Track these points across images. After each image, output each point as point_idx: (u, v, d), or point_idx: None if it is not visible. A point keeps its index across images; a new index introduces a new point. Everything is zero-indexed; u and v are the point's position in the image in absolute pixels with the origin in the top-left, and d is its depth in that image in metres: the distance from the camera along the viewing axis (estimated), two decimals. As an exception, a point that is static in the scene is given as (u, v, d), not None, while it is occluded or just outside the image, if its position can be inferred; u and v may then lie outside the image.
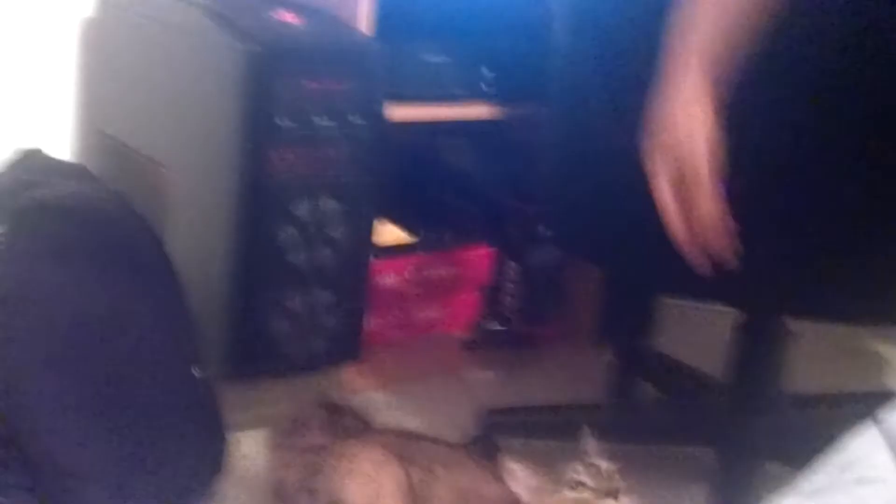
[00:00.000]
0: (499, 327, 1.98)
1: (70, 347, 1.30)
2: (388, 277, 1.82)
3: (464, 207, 1.98)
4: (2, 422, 1.25)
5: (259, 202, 1.48)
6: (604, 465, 1.17)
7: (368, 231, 1.61)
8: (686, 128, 1.08)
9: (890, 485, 0.64)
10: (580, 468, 1.16)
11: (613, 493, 1.15)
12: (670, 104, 1.07)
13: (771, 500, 0.68)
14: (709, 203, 1.08)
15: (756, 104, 1.20)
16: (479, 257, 1.95)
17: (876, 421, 0.66)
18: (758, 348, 1.53)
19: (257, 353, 1.56)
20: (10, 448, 1.25)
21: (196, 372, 1.43)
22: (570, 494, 1.15)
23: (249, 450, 1.56)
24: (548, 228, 1.90)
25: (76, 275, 1.33)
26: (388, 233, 1.80)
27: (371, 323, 1.73)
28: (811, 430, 1.54)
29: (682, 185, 1.10)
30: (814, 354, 2.06)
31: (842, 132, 1.21)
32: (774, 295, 1.34)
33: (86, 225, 1.36)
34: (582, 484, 1.15)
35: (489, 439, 1.61)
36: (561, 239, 1.70)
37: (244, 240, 1.50)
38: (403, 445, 1.27)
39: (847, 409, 1.69)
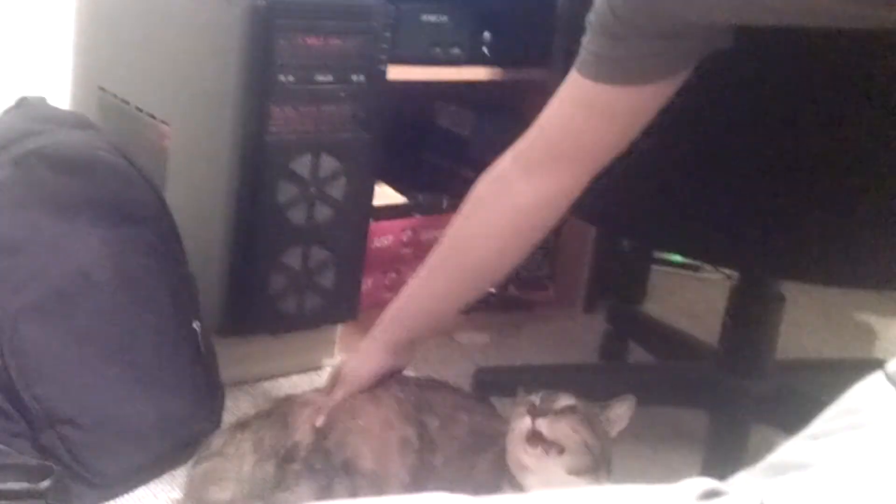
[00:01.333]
0: (492, 291, 1.99)
1: (64, 296, 1.31)
2: (383, 239, 1.82)
3: (458, 170, 1.99)
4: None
5: (259, 159, 1.48)
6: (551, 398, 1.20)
7: (368, 191, 1.62)
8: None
9: (881, 429, 0.65)
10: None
11: (542, 413, 1.17)
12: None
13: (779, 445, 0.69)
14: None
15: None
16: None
17: (884, 369, 0.67)
18: (751, 313, 1.55)
19: (255, 309, 1.56)
20: (8, 395, 1.26)
21: (196, 326, 1.44)
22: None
23: (245, 405, 1.58)
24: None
25: (73, 225, 1.34)
26: (384, 195, 1.81)
27: (366, 284, 1.74)
28: (800, 394, 1.56)
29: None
30: (804, 322, 2.09)
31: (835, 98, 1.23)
32: (768, 256, 1.35)
33: (85, 175, 1.36)
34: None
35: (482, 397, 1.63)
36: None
37: (244, 196, 1.50)
38: (422, 395, 1.28)
39: (835, 376, 1.71)
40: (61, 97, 1.88)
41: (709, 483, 0.65)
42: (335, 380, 1.31)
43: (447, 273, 1.29)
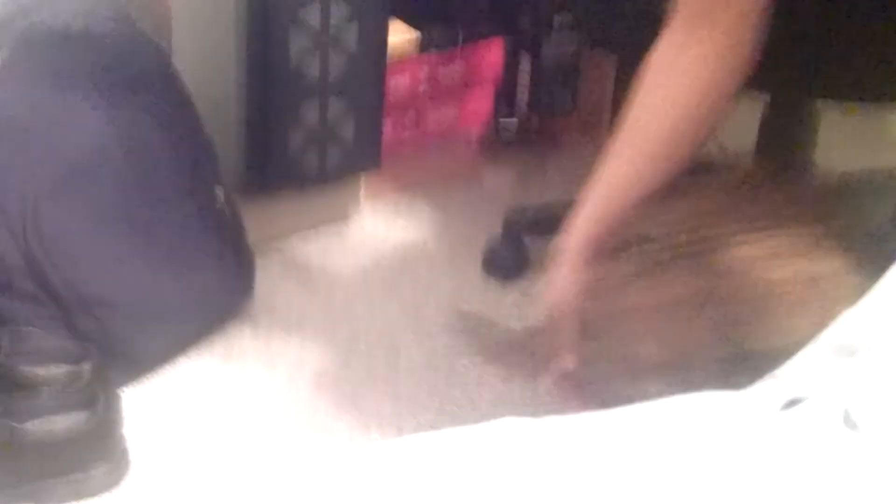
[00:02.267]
0: (515, 122, 1.94)
1: (82, 173, 1.28)
2: (399, 78, 1.77)
3: (472, 2, 1.91)
4: (22, 254, 1.23)
5: (267, 9, 1.42)
6: None
7: (382, 34, 1.56)
8: None
9: None
10: None
11: None
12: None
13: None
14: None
15: None
16: (492, 51, 1.90)
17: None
18: (786, 130, 1.51)
19: (276, 166, 1.53)
20: (38, 280, 1.24)
21: (218, 191, 1.41)
22: None
23: (275, 264, 1.56)
24: (570, 14, 1.82)
25: (83, 99, 1.30)
26: (397, 30, 1.74)
27: (386, 126, 1.70)
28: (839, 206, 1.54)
29: None
30: (840, 136, 2.04)
31: None
32: (802, 74, 1.30)
33: (89, 46, 1.31)
34: None
35: (515, 237, 1.61)
36: (580, 26, 1.65)
37: (254, 50, 1.45)
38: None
39: (874, 187, 1.69)
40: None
41: (788, 390, 0.61)
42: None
43: (634, 159, 1.22)
